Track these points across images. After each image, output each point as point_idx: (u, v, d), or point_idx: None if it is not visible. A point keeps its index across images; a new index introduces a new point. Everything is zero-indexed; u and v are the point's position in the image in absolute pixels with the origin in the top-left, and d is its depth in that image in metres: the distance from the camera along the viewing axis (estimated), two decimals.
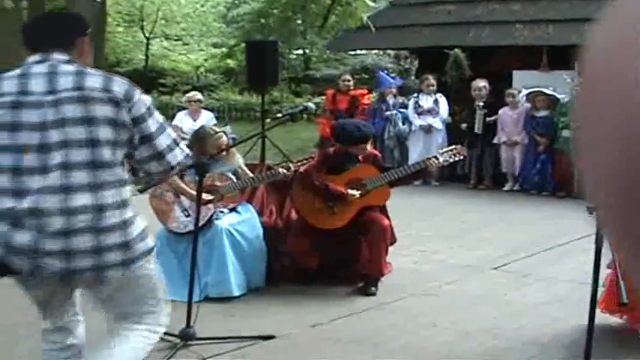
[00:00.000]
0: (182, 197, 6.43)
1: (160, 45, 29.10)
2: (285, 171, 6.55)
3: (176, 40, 29.77)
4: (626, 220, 0.52)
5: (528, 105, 12.04)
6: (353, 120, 8.75)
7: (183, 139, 6.50)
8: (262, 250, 6.58)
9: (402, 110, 13.20)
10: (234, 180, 6.54)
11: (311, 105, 6.34)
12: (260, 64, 12.91)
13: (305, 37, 27.70)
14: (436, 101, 12.92)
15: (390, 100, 13.35)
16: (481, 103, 12.40)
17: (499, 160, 12.52)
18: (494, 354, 5.16)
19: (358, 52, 24.38)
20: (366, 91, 14.36)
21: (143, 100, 3.46)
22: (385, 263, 6.71)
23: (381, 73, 14.81)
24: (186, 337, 5.12)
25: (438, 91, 13.01)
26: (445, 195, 11.98)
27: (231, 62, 28.47)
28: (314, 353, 5.20)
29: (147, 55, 27.84)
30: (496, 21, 13.61)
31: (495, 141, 12.37)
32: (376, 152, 7.29)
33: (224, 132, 6.74)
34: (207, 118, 11.75)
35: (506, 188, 12.43)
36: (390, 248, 6.81)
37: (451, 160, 7.01)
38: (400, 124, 13.15)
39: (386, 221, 6.67)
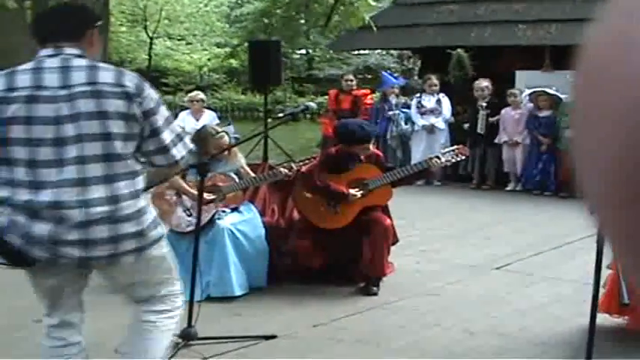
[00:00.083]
0: (184, 197, 6.44)
1: (163, 45, 29.08)
2: (286, 171, 6.55)
3: (179, 40, 29.75)
4: (627, 219, 0.52)
5: (531, 105, 12.03)
6: (356, 120, 8.75)
7: None
8: (264, 249, 6.58)
9: (404, 110, 13.20)
10: (236, 180, 6.54)
11: (312, 105, 6.34)
12: (263, 64, 12.92)
13: (308, 37, 27.72)
14: (439, 101, 12.91)
15: (393, 100, 13.34)
16: (484, 103, 12.39)
17: (502, 160, 12.51)
18: (497, 353, 5.15)
19: (361, 51, 24.38)
20: (368, 91, 14.37)
21: (152, 94, 3.53)
22: (387, 263, 6.71)
23: (384, 73, 14.80)
24: (188, 336, 5.12)
25: (440, 91, 13.01)
26: (448, 195, 11.97)
27: (234, 62, 28.44)
28: (316, 353, 5.19)
29: (150, 55, 27.83)
30: (499, 21, 13.59)
31: (497, 141, 12.36)
32: (378, 152, 7.29)
33: (226, 132, 6.74)
34: (209, 118, 11.74)
35: (508, 188, 12.42)
36: (393, 248, 6.81)
37: (453, 160, 7.01)
38: (403, 124, 13.14)
39: (388, 221, 6.67)
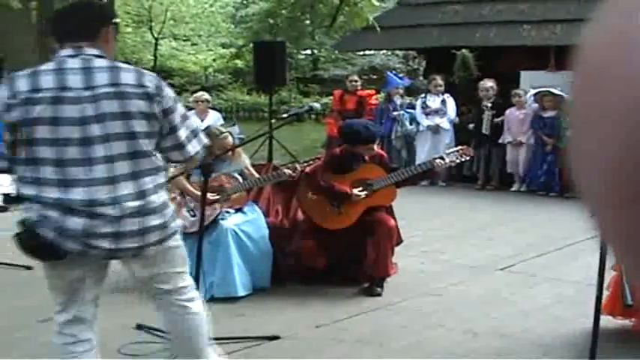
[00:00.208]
0: (188, 197, 6.43)
1: (168, 45, 29.14)
2: (290, 172, 6.54)
3: (185, 41, 29.80)
4: (626, 219, 0.52)
5: (536, 105, 12.02)
6: (360, 120, 8.73)
7: None
8: (268, 250, 6.57)
9: (409, 110, 13.20)
10: (241, 180, 6.54)
11: (316, 105, 6.30)
12: (268, 64, 12.92)
13: (313, 37, 27.71)
14: (444, 101, 12.90)
15: (398, 100, 13.34)
16: (489, 104, 12.38)
17: (506, 160, 12.50)
18: (499, 354, 5.15)
19: (366, 52, 24.38)
20: (373, 92, 14.37)
21: (170, 93, 3.70)
22: (391, 264, 6.70)
23: (389, 73, 14.81)
24: None
25: (445, 91, 13.00)
26: (452, 195, 11.97)
27: (239, 63, 28.49)
28: (319, 353, 5.19)
29: (155, 56, 27.88)
30: (504, 21, 13.58)
31: (501, 141, 12.35)
32: (383, 153, 7.28)
33: (230, 132, 6.74)
34: (214, 119, 11.73)
35: (513, 189, 12.41)
36: (397, 248, 6.80)
37: (457, 161, 7.00)
38: (408, 124, 13.14)
39: (392, 222, 6.66)
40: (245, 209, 6.62)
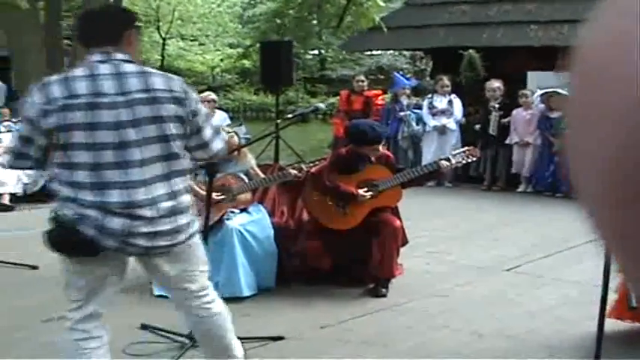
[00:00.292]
0: (194, 197, 6.43)
1: (176, 45, 29.18)
2: (296, 172, 6.54)
3: (192, 41, 29.84)
4: (624, 219, 0.51)
5: (543, 106, 12.00)
6: (366, 120, 8.73)
7: None
8: (273, 250, 6.57)
9: (416, 111, 13.20)
10: (246, 180, 6.54)
11: (322, 106, 6.33)
12: (274, 64, 12.92)
13: (321, 37, 27.75)
14: (450, 102, 12.90)
15: (404, 100, 13.34)
16: (496, 105, 12.37)
17: (512, 161, 12.49)
18: (505, 356, 5.14)
19: (374, 52, 24.39)
20: (380, 92, 14.37)
21: (194, 95, 3.88)
22: (396, 265, 6.69)
23: (396, 74, 14.81)
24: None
25: (452, 91, 12.99)
26: (458, 196, 11.96)
27: (246, 63, 28.53)
28: (324, 354, 5.18)
29: (163, 56, 27.92)
30: (511, 21, 13.57)
31: (507, 141, 12.34)
32: (389, 153, 7.28)
33: (235, 132, 6.74)
34: (220, 119, 11.76)
35: (520, 189, 12.40)
36: (402, 249, 6.80)
37: (463, 162, 6.99)
38: (414, 124, 13.14)
39: (397, 222, 6.65)
40: (250, 209, 6.62)
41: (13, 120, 11.59)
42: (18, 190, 10.88)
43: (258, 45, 19.12)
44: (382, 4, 17.95)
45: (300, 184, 6.79)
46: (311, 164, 6.78)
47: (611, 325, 5.09)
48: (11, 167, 3.84)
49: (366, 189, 6.62)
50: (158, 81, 3.71)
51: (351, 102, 13.58)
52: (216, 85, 27.64)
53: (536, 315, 5.96)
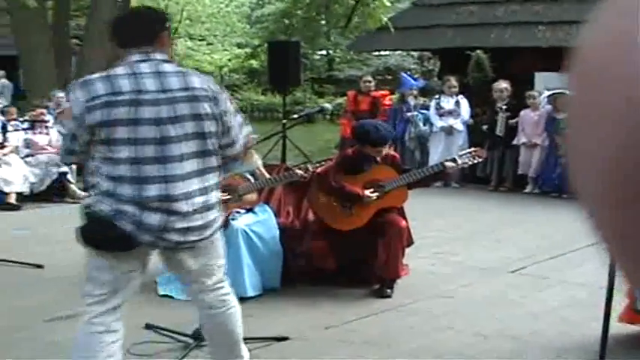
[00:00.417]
0: None
1: (184, 45, 29.21)
2: (302, 172, 6.54)
3: (200, 40, 29.89)
4: (624, 219, 0.52)
5: (550, 107, 11.99)
6: (373, 121, 8.71)
7: None
8: (278, 251, 6.58)
9: (423, 111, 13.21)
10: (252, 181, 6.54)
11: (328, 106, 6.34)
12: (282, 64, 12.92)
13: (329, 37, 27.78)
14: (457, 103, 12.91)
15: (411, 101, 13.35)
16: (504, 106, 12.36)
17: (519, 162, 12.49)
18: (509, 357, 5.14)
19: (381, 53, 24.41)
20: (387, 93, 14.38)
21: (224, 94, 4.02)
22: (401, 265, 6.69)
23: (403, 75, 14.81)
24: (200, 337, 5.11)
25: (459, 92, 13.00)
26: (464, 197, 11.96)
27: (254, 63, 28.58)
28: (328, 355, 5.19)
29: (171, 55, 27.92)
30: (518, 22, 13.57)
31: (515, 142, 12.33)
32: (395, 154, 7.28)
33: None
34: None
35: (526, 190, 12.39)
36: (407, 250, 6.80)
37: (470, 163, 6.98)
38: (421, 125, 13.16)
39: (403, 223, 6.65)
40: (256, 209, 6.63)
41: (20, 119, 11.61)
42: (25, 189, 10.90)
43: (265, 45, 19.14)
44: (388, 3, 17.96)
45: (306, 185, 6.79)
46: (317, 164, 6.78)
47: (616, 327, 5.08)
48: (64, 163, 4.04)
49: (372, 189, 6.62)
50: (196, 80, 3.87)
51: (358, 102, 13.59)
52: (223, 84, 27.63)
53: (541, 316, 5.96)
